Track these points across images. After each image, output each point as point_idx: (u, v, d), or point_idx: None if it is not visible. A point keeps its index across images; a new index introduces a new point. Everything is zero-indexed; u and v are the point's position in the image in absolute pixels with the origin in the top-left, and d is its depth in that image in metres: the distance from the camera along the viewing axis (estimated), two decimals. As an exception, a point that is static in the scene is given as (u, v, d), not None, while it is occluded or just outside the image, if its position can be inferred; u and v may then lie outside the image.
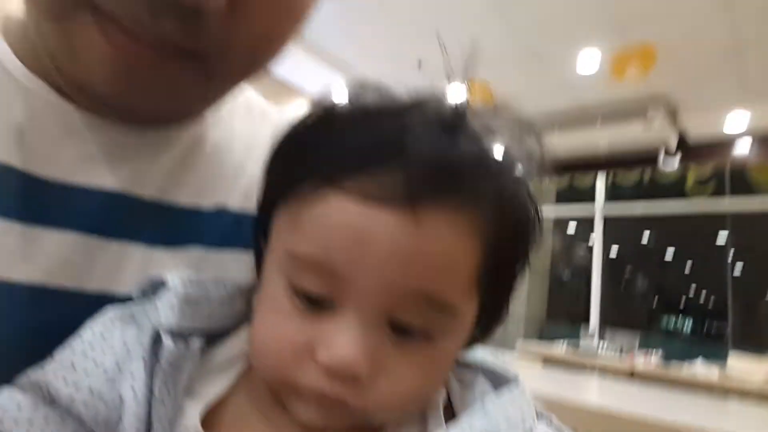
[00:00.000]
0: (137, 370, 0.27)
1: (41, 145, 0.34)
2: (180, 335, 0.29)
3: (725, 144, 3.95)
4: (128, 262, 0.36)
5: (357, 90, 0.31)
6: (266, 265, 0.31)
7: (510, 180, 0.30)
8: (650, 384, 1.48)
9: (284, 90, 4.30)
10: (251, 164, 0.44)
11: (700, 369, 2.29)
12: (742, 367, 2.33)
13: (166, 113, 0.38)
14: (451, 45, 3.06)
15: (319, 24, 3.20)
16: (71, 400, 0.26)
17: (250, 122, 0.48)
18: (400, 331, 0.27)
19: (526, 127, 0.32)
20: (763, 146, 3.84)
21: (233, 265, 0.40)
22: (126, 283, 0.35)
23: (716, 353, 2.77)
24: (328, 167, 0.27)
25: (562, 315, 6.20)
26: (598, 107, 3.86)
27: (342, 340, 0.26)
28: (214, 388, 0.30)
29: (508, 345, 3.24)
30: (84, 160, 0.36)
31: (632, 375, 2.36)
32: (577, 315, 5.04)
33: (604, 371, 2.44)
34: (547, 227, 6.03)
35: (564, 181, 5.10)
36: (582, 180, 4.96)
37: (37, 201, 0.33)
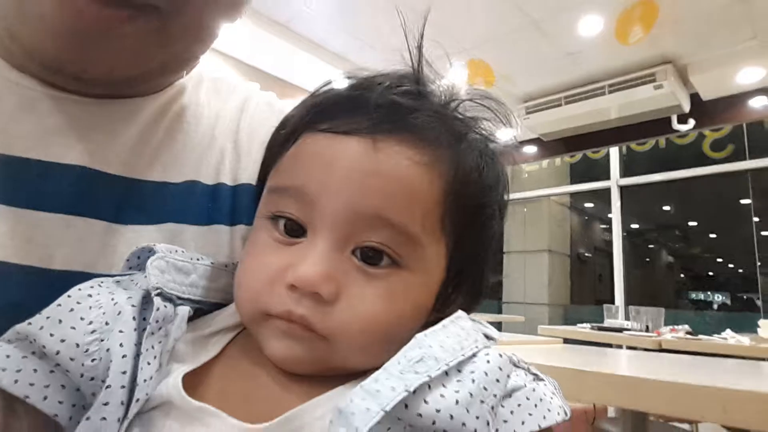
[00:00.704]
0: (127, 327, 0.28)
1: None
2: (169, 299, 0.31)
3: (740, 102, 3.78)
4: (94, 240, 0.35)
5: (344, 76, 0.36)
6: (255, 217, 0.34)
7: (468, 128, 0.34)
8: (680, 356, 1.38)
9: (282, 88, 4.26)
10: (221, 137, 0.45)
11: (731, 338, 2.18)
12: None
13: (126, 79, 0.37)
14: (449, 25, 2.99)
15: (309, 18, 3.17)
16: (57, 354, 0.27)
17: (216, 95, 0.48)
18: (367, 259, 0.30)
19: (496, 102, 0.36)
20: (782, 101, 3.66)
21: (209, 240, 0.40)
22: (92, 261, 0.35)
23: (747, 324, 2.65)
24: (308, 119, 0.33)
25: (587, 297, 6.06)
26: (606, 75, 3.74)
27: (307, 261, 0.29)
28: (199, 357, 0.31)
29: (531, 332, 3.15)
30: (42, 135, 0.35)
31: (660, 349, 2.26)
32: (602, 296, 4.91)
33: (631, 348, 2.36)
34: (564, 207, 6.01)
35: (577, 157, 4.97)
36: (595, 154, 4.82)
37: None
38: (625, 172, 4.76)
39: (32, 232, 0.33)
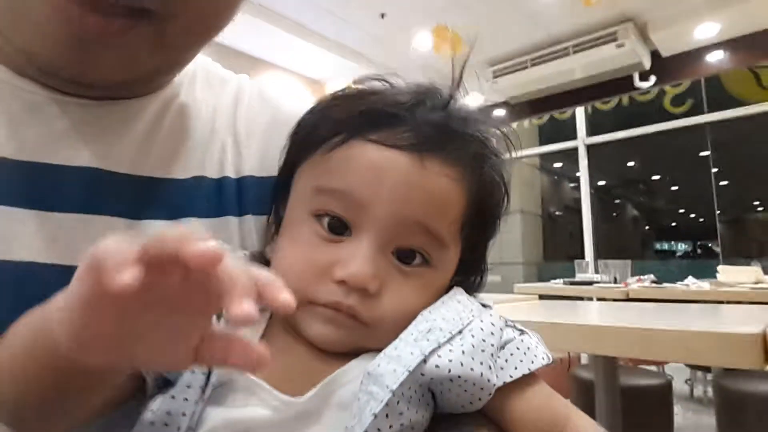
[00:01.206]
0: None
1: (3, 127, 0.35)
2: None
3: (698, 57, 3.88)
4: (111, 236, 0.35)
5: (369, 77, 0.40)
6: (290, 210, 0.38)
7: (488, 151, 0.39)
8: (645, 304, 1.47)
9: (252, 63, 4.15)
10: (220, 131, 0.46)
11: (692, 284, 2.32)
12: (731, 276, 2.36)
13: (124, 82, 0.38)
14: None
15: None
16: None
17: (210, 89, 0.49)
18: (403, 259, 0.35)
19: (499, 122, 0.42)
20: (734, 54, 3.77)
21: (220, 232, 0.42)
22: None
23: (708, 270, 2.81)
24: (354, 125, 0.35)
25: (559, 254, 6.27)
26: (569, 36, 3.78)
27: (357, 260, 0.33)
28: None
29: (507, 291, 3.27)
30: (51, 139, 0.36)
31: (627, 298, 2.39)
32: (574, 252, 5.09)
33: (601, 299, 2.49)
34: (534, 168, 6.13)
35: (544, 119, 5.04)
36: (562, 115, 4.90)
37: (5, 182, 0.34)
38: (592, 130, 4.87)
39: (56, 233, 0.35)
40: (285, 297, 0.22)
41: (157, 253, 0.19)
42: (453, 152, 0.36)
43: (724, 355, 0.77)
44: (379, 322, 0.34)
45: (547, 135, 5.49)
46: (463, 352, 0.31)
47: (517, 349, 0.35)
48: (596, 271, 3.16)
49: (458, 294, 0.38)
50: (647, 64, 3.88)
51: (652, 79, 3.98)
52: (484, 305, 0.38)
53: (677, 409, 2.97)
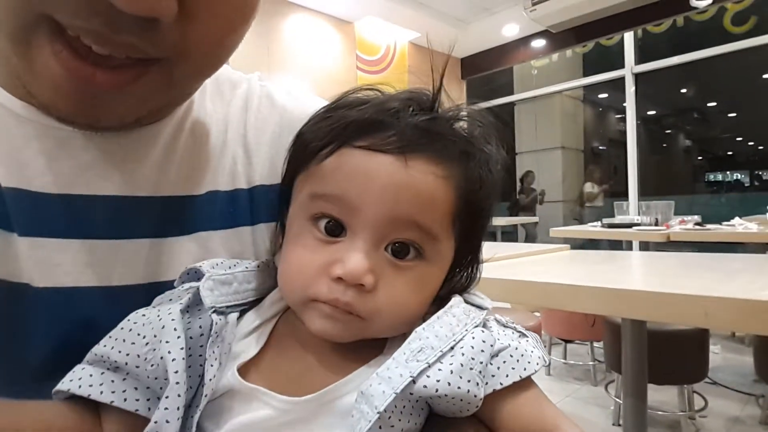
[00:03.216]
0: (171, 337, 0.34)
1: (36, 163, 0.38)
2: (220, 312, 0.38)
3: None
4: (141, 256, 0.41)
5: (361, 87, 0.41)
6: (290, 218, 0.40)
7: (474, 147, 0.40)
8: (682, 255, 1.43)
9: (278, 5, 4.04)
10: (231, 143, 0.48)
11: (739, 225, 2.21)
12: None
13: (134, 120, 0.40)
14: None
15: None
16: (126, 365, 0.34)
17: (220, 98, 0.50)
18: (397, 254, 0.37)
19: (485, 118, 0.42)
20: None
21: (234, 242, 0.46)
22: (143, 274, 0.41)
23: (763, 204, 2.66)
24: (343, 134, 0.37)
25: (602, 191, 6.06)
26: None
27: (353, 258, 0.35)
28: (250, 350, 0.38)
29: (544, 230, 3.22)
30: (80, 171, 0.39)
31: (668, 241, 2.32)
32: (618, 188, 4.91)
33: (642, 242, 2.42)
34: (577, 101, 5.81)
35: (589, 46, 4.71)
36: (609, 41, 4.56)
37: (46, 215, 0.38)
38: (641, 57, 4.52)
39: (89, 258, 0.39)
40: None
41: None
42: (438, 151, 0.37)
43: (744, 322, 0.76)
44: (375, 315, 0.36)
45: (591, 63, 5.15)
46: (451, 372, 0.33)
47: (511, 356, 0.36)
48: (638, 211, 3.06)
49: (455, 306, 0.39)
50: (706, -21, 3.49)
51: (711, -4, 3.59)
52: (482, 308, 0.40)
53: (717, 348, 2.95)
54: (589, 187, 5.33)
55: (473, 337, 0.36)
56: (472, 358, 0.34)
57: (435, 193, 0.37)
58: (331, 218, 0.37)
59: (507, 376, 0.35)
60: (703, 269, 1.15)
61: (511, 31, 4.78)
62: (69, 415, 0.34)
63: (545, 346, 2.89)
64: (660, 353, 1.81)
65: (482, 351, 0.35)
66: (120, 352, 0.35)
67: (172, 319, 0.36)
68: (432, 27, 4.51)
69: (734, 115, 5.94)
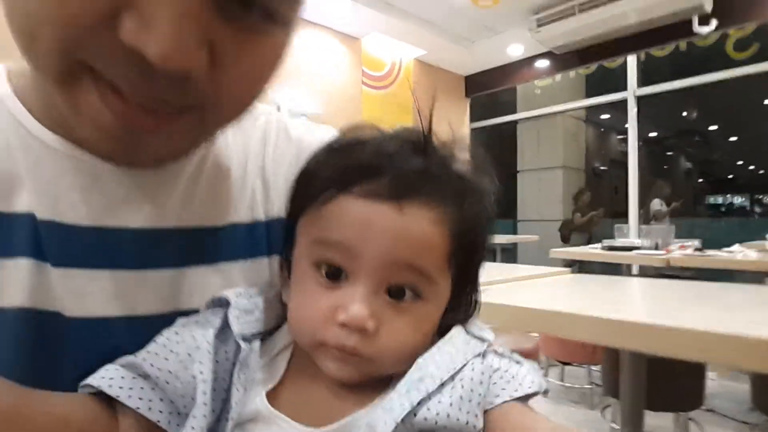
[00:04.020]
0: (204, 359, 0.37)
1: (70, 196, 0.40)
2: (246, 339, 0.39)
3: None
4: (165, 286, 0.43)
5: (352, 129, 0.44)
6: (295, 259, 0.42)
7: (468, 187, 0.41)
8: (682, 285, 1.44)
9: None
10: (251, 175, 0.50)
11: (738, 253, 2.22)
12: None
13: (168, 160, 0.43)
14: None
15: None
16: (157, 378, 0.36)
17: (240, 131, 0.52)
18: (395, 296, 0.38)
19: (480, 154, 0.44)
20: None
21: (253, 272, 0.47)
22: (167, 302, 0.43)
23: (763, 228, 2.67)
24: (341, 181, 0.39)
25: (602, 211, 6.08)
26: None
27: (355, 304, 0.37)
28: (274, 376, 0.40)
29: (544, 250, 3.23)
30: (111, 204, 0.42)
31: (669, 266, 2.34)
32: (619, 208, 4.92)
33: (642, 266, 2.43)
34: (579, 121, 5.86)
35: (592, 68, 4.75)
36: (612, 63, 4.60)
37: (79, 246, 0.40)
38: (644, 79, 4.57)
39: (116, 289, 0.40)
40: None
41: None
42: (432, 195, 0.39)
43: (740, 359, 0.77)
44: (380, 356, 0.38)
45: (594, 84, 5.20)
46: (450, 404, 0.35)
47: (501, 378, 0.38)
48: (639, 234, 3.07)
49: (455, 336, 0.41)
50: (708, 5, 3.54)
51: (713, 23, 3.64)
52: (483, 339, 0.42)
53: (713, 375, 2.94)
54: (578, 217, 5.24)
55: (473, 369, 0.38)
56: (471, 390, 0.36)
57: (430, 237, 0.39)
58: (332, 264, 0.39)
59: (497, 396, 0.37)
60: (702, 300, 1.16)
61: (515, 51, 4.83)
62: (89, 408, 0.35)
63: (543, 368, 2.90)
64: (657, 379, 1.81)
65: (481, 383, 0.37)
66: (153, 365, 0.37)
67: (207, 342, 0.38)
68: (437, 45, 4.57)
69: (735, 138, 5.98)
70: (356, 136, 0.43)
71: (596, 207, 5.36)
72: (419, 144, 0.41)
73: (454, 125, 0.44)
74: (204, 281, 0.44)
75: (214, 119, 0.38)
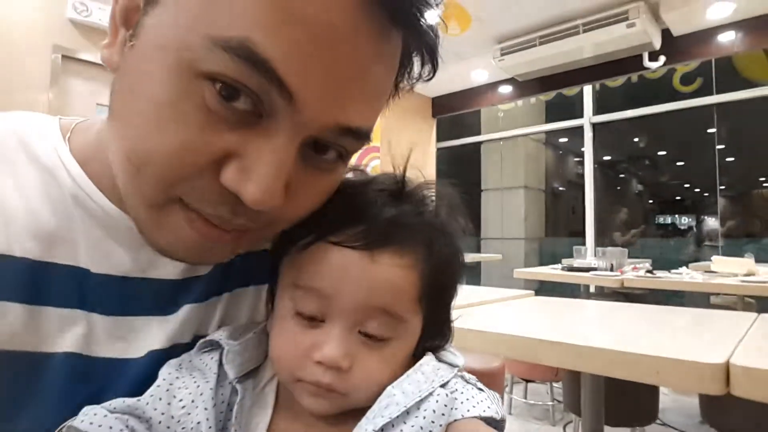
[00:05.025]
0: (209, 405, 0.40)
1: (120, 253, 0.44)
2: (239, 381, 0.43)
3: (709, 37, 3.81)
4: (160, 327, 0.46)
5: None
6: (278, 299, 0.45)
7: (438, 231, 0.44)
8: (635, 308, 1.53)
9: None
10: None
11: (686, 275, 2.40)
12: (724, 266, 2.44)
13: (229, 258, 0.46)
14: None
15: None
16: (159, 423, 0.39)
17: None
18: (368, 336, 0.41)
19: (450, 195, 0.48)
20: (747, 34, 3.70)
21: (236, 302, 0.53)
22: (161, 341, 0.46)
23: (706, 250, 2.87)
24: (320, 227, 0.42)
25: (561, 230, 6.33)
26: (580, 14, 3.71)
27: (330, 345, 0.40)
28: (266, 410, 0.44)
29: (508, 269, 3.35)
30: (153, 260, 0.46)
31: (622, 287, 2.47)
32: (576, 227, 5.13)
33: (598, 287, 2.56)
34: (539, 143, 6.10)
35: (551, 95, 4.99)
36: (570, 91, 4.85)
37: (121, 293, 0.44)
38: (599, 106, 4.84)
39: (124, 333, 0.44)
40: None
41: None
42: (403, 242, 0.42)
43: (691, 382, 0.85)
44: (354, 391, 0.41)
45: (553, 110, 5.45)
46: None
47: (455, 399, 0.41)
48: (595, 254, 3.23)
49: (425, 364, 0.44)
50: (657, 44, 3.81)
51: (662, 59, 3.92)
52: (453, 365, 0.45)
53: (666, 390, 3.11)
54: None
55: (437, 401, 0.40)
56: (433, 421, 0.39)
57: (401, 282, 0.42)
58: (309, 312, 0.42)
59: (455, 409, 0.40)
60: (655, 325, 1.26)
61: (480, 77, 5.02)
62: None
63: (507, 385, 2.97)
64: (615, 396, 1.91)
65: (443, 414, 0.39)
66: (156, 409, 0.40)
67: (210, 388, 0.41)
68: (406, 67, 4.67)
69: (682, 163, 6.38)
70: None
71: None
72: (395, 192, 0.44)
73: (422, 145, 0.49)
74: (195, 318, 0.49)
75: (273, 232, 0.43)
